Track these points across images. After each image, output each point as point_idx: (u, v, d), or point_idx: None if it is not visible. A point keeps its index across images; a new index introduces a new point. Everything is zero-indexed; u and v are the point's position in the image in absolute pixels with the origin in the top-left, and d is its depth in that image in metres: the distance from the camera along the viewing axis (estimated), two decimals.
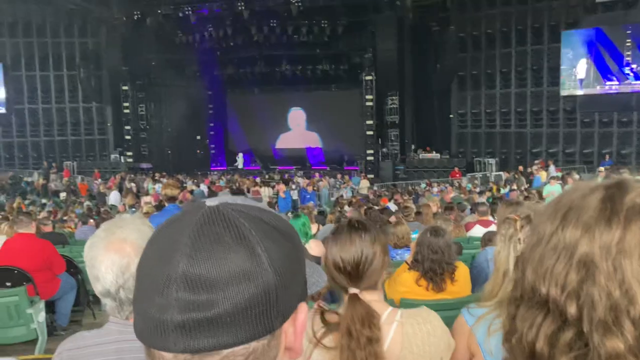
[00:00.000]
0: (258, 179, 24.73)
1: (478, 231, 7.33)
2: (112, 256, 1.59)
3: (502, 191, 17.09)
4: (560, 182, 14.62)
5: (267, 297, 0.67)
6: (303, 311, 0.74)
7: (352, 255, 1.89)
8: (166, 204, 5.70)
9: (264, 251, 0.69)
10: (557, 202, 0.78)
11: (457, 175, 25.09)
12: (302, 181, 23.72)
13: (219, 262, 0.66)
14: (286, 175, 27.06)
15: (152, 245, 0.73)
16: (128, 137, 30.40)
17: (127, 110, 30.17)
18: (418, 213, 8.44)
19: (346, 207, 14.14)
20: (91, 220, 11.87)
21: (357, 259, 1.89)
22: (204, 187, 22.09)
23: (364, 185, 23.38)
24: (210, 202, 0.75)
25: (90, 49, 30.82)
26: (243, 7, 27.06)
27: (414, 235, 6.04)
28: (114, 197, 20.51)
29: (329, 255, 1.93)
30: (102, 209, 15.60)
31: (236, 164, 32.82)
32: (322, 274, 0.85)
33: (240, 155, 33.15)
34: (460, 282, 3.72)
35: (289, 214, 11.35)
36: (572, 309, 0.69)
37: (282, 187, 16.35)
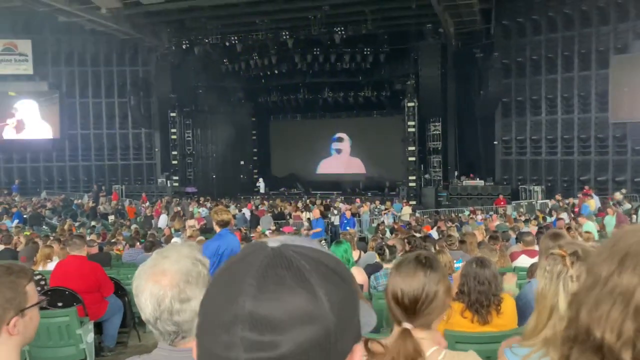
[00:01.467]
0: (300, 204, 24.94)
1: (524, 261, 7.12)
2: (151, 287, 1.61)
3: (549, 219, 16.68)
4: (614, 209, 14.11)
5: (327, 339, 0.68)
6: (358, 353, 0.74)
7: (413, 290, 1.86)
8: (218, 229, 5.75)
9: (324, 294, 0.70)
10: (614, 244, 0.76)
11: (502, 202, 24.81)
12: (343, 206, 23.68)
13: (283, 304, 0.68)
14: (328, 200, 27.22)
15: (217, 283, 0.75)
16: (175, 162, 30.93)
17: (174, 136, 30.77)
18: (462, 242, 8.30)
19: (387, 234, 13.96)
20: (138, 243, 12.07)
21: (417, 295, 1.85)
22: (246, 212, 22.38)
23: (405, 211, 23.33)
24: (272, 242, 0.77)
25: (140, 77, 31.90)
26: (287, 37, 27.71)
27: (457, 265, 6.00)
28: (162, 221, 20.77)
29: (390, 284, 1.91)
30: (148, 232, 15.84)
31: (257, 188, 32.89)
32: (373, 314, 0.85)
33: (261, 180, 33.11)
34: (507, 315, 3.65)
35: (322, 241, 11.16)
36: (627, 358, 0.67)
37: (315, 212, 16.47)
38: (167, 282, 1.60)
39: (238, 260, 0.75)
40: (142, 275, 1.65)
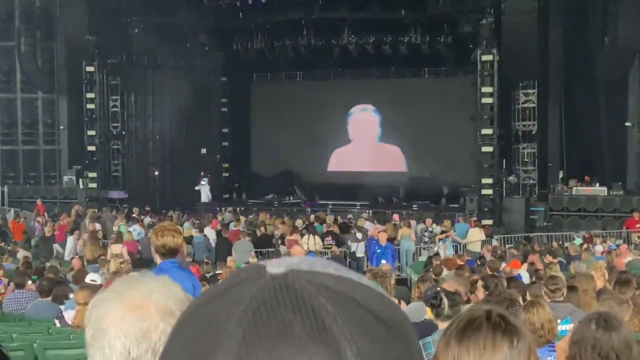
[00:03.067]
0: (299, 222, 24.73)
1: None
2: (128, 316, 1.67)
3: None
4: None
5: None
6: None
7: None
8: (158, 260, 5.80)
9: (356, 354, 0.69)
10: None
11: (638, 224, 24.56)
12: (371, 227, 23.81)
13: None
14: (348, 218, 26.97)
15: (180, 333, 0.75)
16: (92, 149, 30.75)
17: (91, 106, 30.63)
18: (570, 288, 8.25)
19: (445, 273, 13.92)
20: (29, 282, 11.94)
21: None
22: (210, 233, 22.40)
23: (475, 236, 23.32)
24: (274, 266, 0.76)
25: (37, 5, 31.78)
26: None
27: (564, 327, 6.11)
28: (69, 245, 20.68)
29: None
30: (47, 264, 15.58)
31: (200, 189, 32.33)
32: None
33: (204, 182, 32.58)
34: None
35: None
36: None
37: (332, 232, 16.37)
38: (155, 310, 1.68)
39: (218, 295, 0.75)
40: (109, 301, 1.71)
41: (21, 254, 18.72)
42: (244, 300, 0.71)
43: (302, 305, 0.70)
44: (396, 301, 8.65)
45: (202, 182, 32.06)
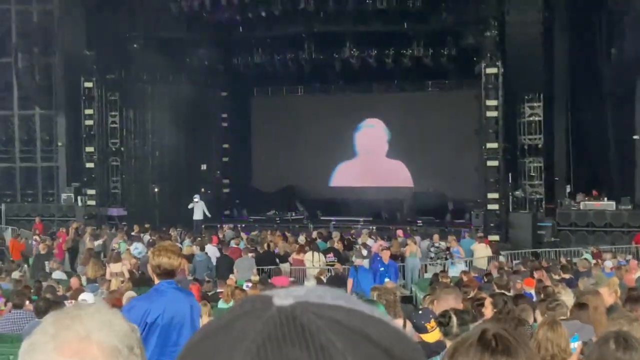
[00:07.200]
0: (302, 238, 24.88)
1: None
2: None
3: None
4: None
5: None
6: None
7: None
8: (156, 280, 5.82)
9: None
10: None
11: None
12: (376, 244, 24.00)
13: None
14: (351, 233, 27.21)
15: None
16: (90, 166, 30.71)
17: (90, 122, 30.62)
18: (580, 305, 8.17)
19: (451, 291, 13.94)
20: (28, 303, 11.87)
21: None
22: (212, 250, 22.43)
23: (481, 252, 23.48)
24: (281, 298, 0.75)
25: (34, 21, 31.92)
26: None
27: (572, 344, 5.98)
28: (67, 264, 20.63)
29: None
30: (44, 283, 15.49)
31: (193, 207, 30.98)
32: None
33: (197, 198, 30.98)
34: None
35: None
36: None
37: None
38: (98, 352, 1.55)
39: (221, 328, 0.74)
40: (42, 347, 1.57)
41: (17, 273, 18.75)
42: (249, 335, 0.70)
43: (310, 342, 0.69)
44: (401, 321, 8.31)
45: (194, 200, 31.05)
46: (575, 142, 29.78)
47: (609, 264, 20.00)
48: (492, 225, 27.83)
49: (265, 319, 0.72)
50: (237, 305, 0.77)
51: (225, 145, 36.71)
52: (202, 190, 34.09)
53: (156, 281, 5.79)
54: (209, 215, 30.86)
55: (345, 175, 36.63)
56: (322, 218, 32.95)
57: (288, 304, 0.73)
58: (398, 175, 35.65)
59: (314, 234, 27.29)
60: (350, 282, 17.15)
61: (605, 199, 27.63)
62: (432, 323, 7.08)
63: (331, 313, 0.73)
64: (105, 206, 31.13)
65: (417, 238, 25.19)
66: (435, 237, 25.09)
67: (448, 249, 24.24)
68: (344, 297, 0.77)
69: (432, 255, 23.85)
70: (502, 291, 11.67)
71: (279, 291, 0.78)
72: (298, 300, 0.74)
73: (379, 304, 7.60)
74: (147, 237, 25.19)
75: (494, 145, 27.95)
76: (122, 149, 32.18)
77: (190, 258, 19.67)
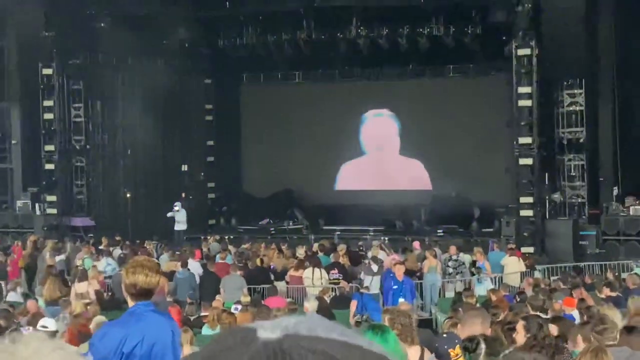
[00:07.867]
0: (300, 251, 24.58)
1: None
2: None
3: None
4: None
5: None
6: None
7: None
8: (130, 302, 5.97)
9: None
10: None
11: None
12: (388, 257, 23.45)
13: None
14: (359, 245, 27.10)
15: None
16: (50, 167, 30.43)
17: (49, 116, 30.40)
18: (629, 330, 8.71)
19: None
20: None
21: None
22: (194, 266, 22.35)
23: (513, 267, 23.04)
24: (266, 330, 0.73)
25: None
26: None
27: None
28: (24, 284, 21.28)
29: None
30: None
31: (173, 216, 30.83)
32: None
33: (179, 206, 30.81)
34: None
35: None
36: None
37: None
38: None
39: None
40: None
41: None
42: None
43: None
44: (418, 348, 8.74)
45: (175, 208, 30.85)
46: (623, 137, 29.37)
47: None
48: (525, 235, 27.35)
49: (250, 355, 0.72)
50: (217, 339, 0.78)
51: (210, 142, 36.71)
52: (183, 195, 33.66)
53: (130, 303, 6.04)
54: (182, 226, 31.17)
55: (351, 177, 36.43)
56: (324, 228, 32.86)
57: (275, 337, 0.73)
58: (414, 177, 35.33)
59: (315, 247, 27.14)
60: (354, 304, 17.09)
61: None
62: (457, 350, 7.57)
63: (323, 347, 0.71)
64: (69, 215, 30.75)
65: (437, 251, 24.73)
66: (452, 248, 24.91)
67: (474, 262, 23.86)
68: (337, 328, 0.75)
69: (451, 270, 23.56)
70: (538, 313, 12.28)
71: (263, 323, 0.77)
72: (286, 332, 0.72)
73: (390, 331, 7.54)
74: (117, 252, 25.38)
75: (528, 140, 27.53)
76: (88, 147, 31.76)
77: (170, 276, 19.98)
